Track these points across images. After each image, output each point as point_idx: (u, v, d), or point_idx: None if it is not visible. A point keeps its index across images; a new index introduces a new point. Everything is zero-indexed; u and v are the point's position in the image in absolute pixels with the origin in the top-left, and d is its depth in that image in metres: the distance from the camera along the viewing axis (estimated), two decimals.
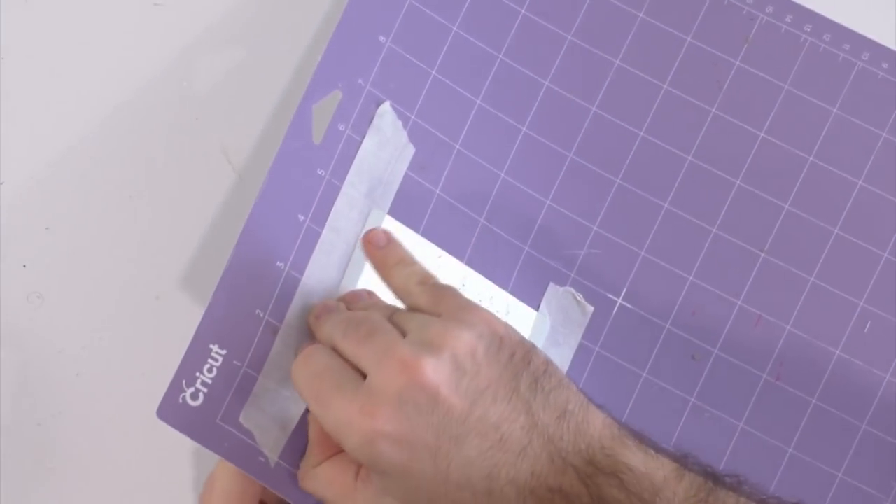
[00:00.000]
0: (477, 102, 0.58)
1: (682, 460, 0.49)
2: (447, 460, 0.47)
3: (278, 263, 0.53)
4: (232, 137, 0.59)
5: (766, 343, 0.58)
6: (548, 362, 0.49)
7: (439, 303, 0.51)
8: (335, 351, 0.51)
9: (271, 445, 0.53)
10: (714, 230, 0.59)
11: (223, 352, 0.52)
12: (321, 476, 0.52)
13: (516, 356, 0.49)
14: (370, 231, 0.55)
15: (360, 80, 0.56)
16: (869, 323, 0.58)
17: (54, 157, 0.58)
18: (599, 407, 0.49)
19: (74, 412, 0.56)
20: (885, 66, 0.59)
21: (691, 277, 0.59)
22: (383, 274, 0.54)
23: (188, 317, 0.53)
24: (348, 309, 0.54)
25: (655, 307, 0.59)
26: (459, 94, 0.58)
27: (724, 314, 0.58)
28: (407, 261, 0.54)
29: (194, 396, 0.52)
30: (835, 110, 0.59)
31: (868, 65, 0.59)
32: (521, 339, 0.50)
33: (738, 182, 0.59)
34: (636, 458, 0.47)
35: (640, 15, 0.59)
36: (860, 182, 0.59)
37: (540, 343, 0.58)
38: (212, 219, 0.58)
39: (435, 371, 0.47)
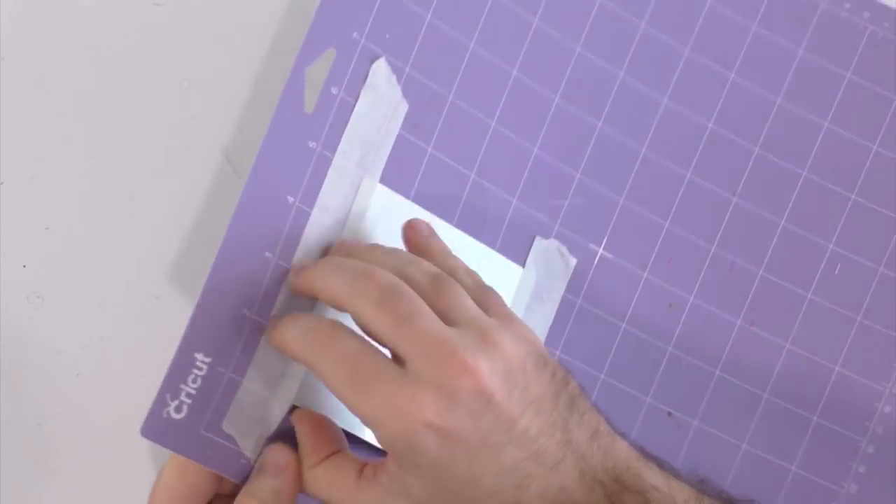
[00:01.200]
0: (471, 46, 0.57)
1: (699, 486, 0.50)
2: (483, 466, 0.47)
3: (267, 254, 0.52)
4: (232, 137, 0.59)
5: (740, 288, 0.59)
6: (581, 387, 0.50)
7: (487, 303, 0.51)
8: (356, 317, 0.49)
9: (252, 447, 0.52)
10: (688, 174, 0.59)
11: (208, 360, 0.51)
12: (321, 477, 0.51)
13: (557, 375, 0.49)
14: (413, 219, 0.54)
15: (354, 34, 0.54)
16: (839, 265, 0.59)
17: (54, 157, 0.58)
18: (622, 435, 0.50)
19: (74, 412, 0.56)
20: (847, 6, 0.60)
21: (667, 224, 0.59)
22: (426, 256, 0.53)
23: (188, 317, 0.53)
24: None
25: (634, 256, 0.59)
26: (454, 39, 0.56)
27: (698, 261, 0.59)
28: (451, 253, 0.54)
29: (178, 409, 0.50)
30: (800, 51, 0.59)
31: (831, 5, 0.60)
32: (559, 362, 0.50)
33: (711, 125, 0.59)
34: (659, 480, 0.49)
35: None
36: (826, 123, 0.59)
37: (526, 298, 0.58)
38: (212, 219, 0.58)
39: (490, 376, 0.47)
